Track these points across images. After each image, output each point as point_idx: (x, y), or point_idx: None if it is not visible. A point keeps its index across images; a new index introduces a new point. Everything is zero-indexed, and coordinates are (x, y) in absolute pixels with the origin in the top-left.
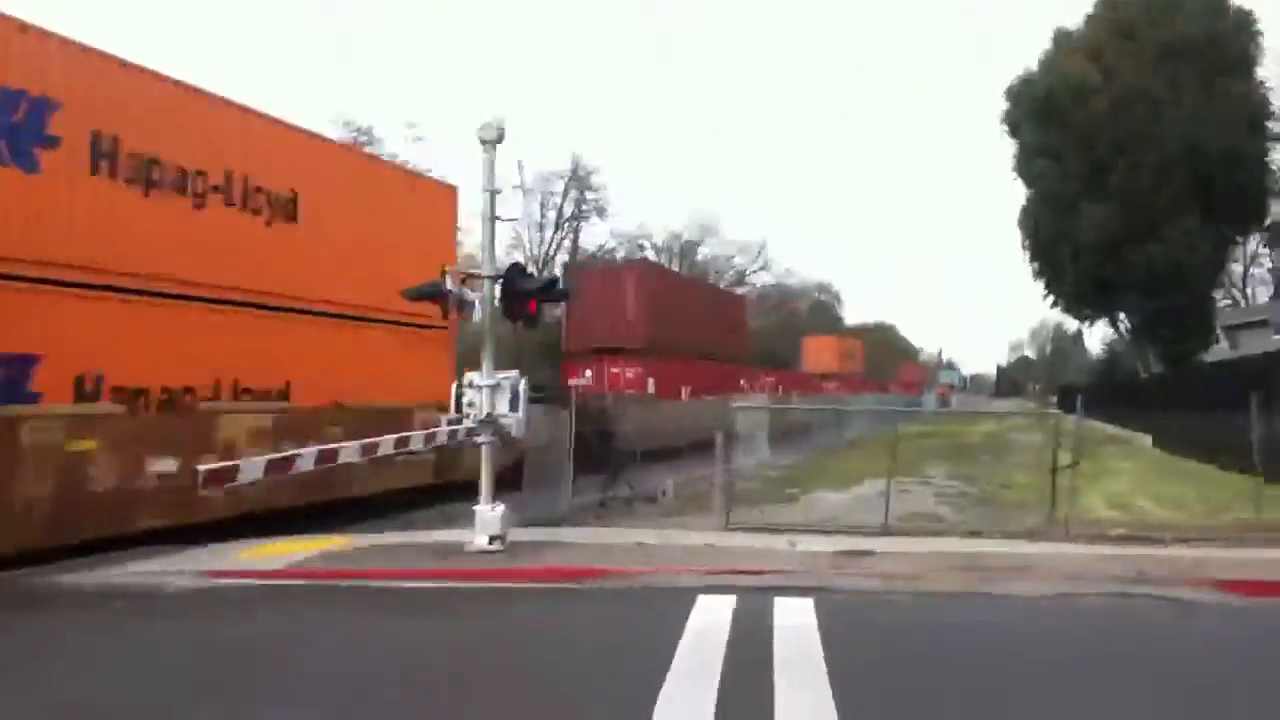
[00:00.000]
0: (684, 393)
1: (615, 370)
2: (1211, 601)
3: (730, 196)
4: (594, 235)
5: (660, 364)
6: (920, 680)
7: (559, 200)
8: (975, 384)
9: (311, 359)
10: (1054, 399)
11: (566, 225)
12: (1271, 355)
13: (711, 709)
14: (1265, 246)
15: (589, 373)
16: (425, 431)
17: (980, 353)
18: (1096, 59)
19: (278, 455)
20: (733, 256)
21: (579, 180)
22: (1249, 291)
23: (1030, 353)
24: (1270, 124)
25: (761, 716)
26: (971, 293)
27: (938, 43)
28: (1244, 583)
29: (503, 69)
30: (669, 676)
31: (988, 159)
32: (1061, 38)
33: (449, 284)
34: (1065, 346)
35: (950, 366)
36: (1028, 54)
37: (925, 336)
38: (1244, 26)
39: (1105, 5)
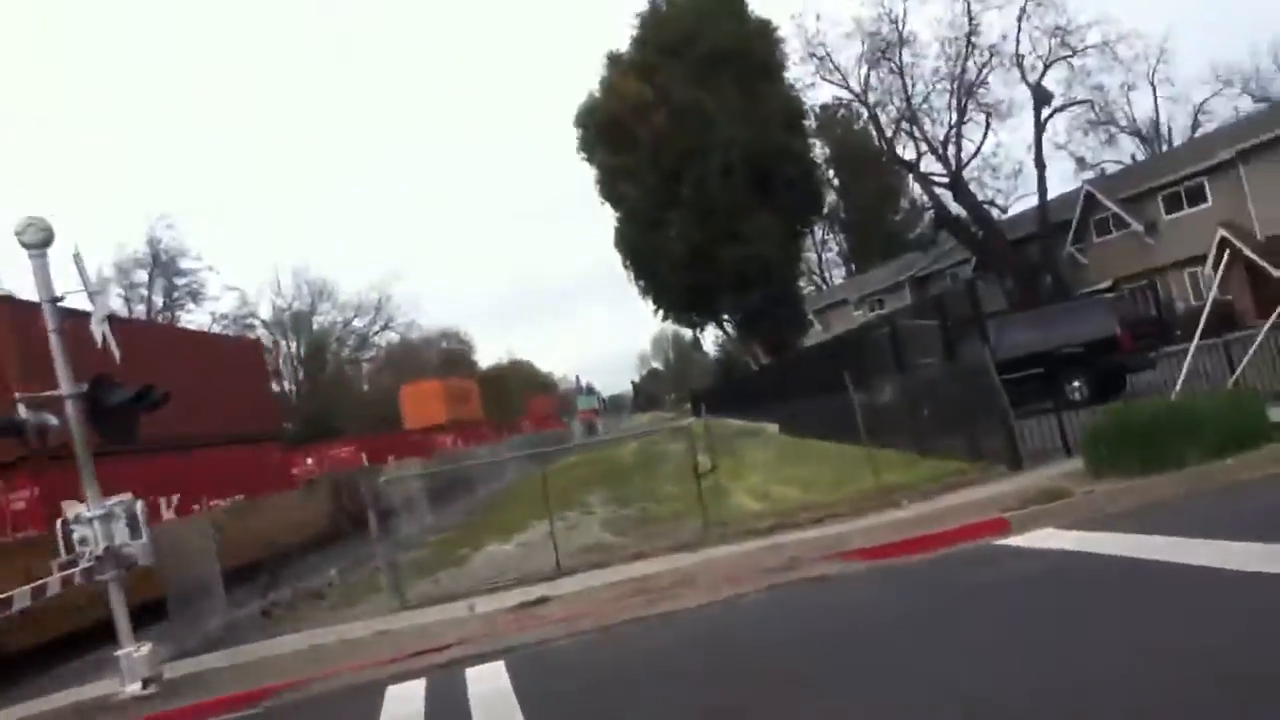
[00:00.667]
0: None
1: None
2: (848, 572)
3: (339, 256)
4: (194, 322)
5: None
6: (612, 713)
7: (145, 291)
8: (616, 403)
9: None
10: (688, 405)
11: (160, 317)
12: (859, 329)
13: None
14: (829, 232)
15: None
16: (31, 585)
17: (616, 372)
18: (649, 78)
19: None
20: (352, 319)
21: (164, 265)
22: (827, 275)
23: (658, 364)
24: (805, 122)
25: None
26: (595, 315)
27: (512, 75)
28: (863, 550)
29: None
30: None
31: (584, 183)
32: (614, 60)
33: (23, 411)
34: (686, 352)
35: (590, 391)
36: (587, 78)
37: (561, 365)
38: (765, 34)
39: (647, 26)
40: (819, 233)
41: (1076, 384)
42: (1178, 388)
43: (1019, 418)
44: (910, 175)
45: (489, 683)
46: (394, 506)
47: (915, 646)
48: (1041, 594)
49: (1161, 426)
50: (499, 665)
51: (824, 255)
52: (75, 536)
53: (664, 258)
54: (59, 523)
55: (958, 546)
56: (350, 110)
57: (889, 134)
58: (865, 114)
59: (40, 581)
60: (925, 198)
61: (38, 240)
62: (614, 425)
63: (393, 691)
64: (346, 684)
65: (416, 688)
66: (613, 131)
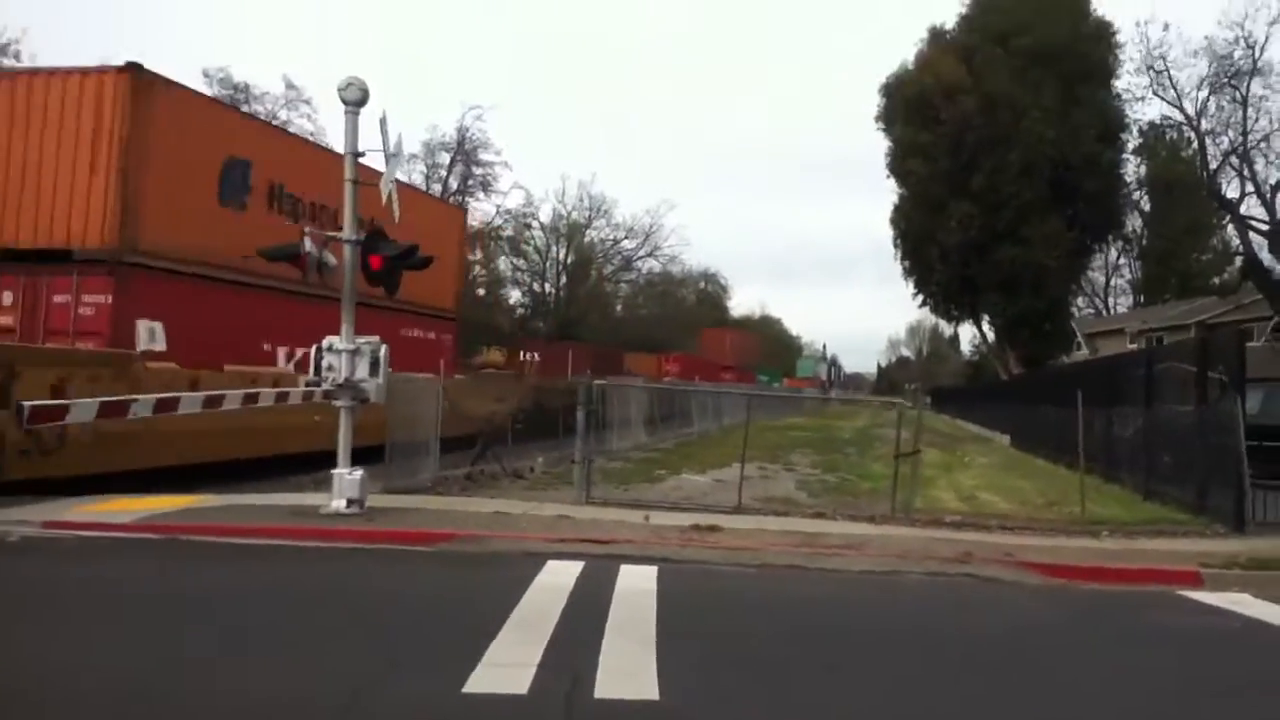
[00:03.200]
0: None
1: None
2: (1014, 579)
3: (621, 179)
4: (481, 210)
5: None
6: (735, 645)
7: (444, 174)
8: (855, 382)
9: None
10: (928, 399)
11: (452, 199)
12: (1113, 357)
13: (539, 655)
14: (1123, 257)
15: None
16: (276, 390)
17: (863, 351)
18: (967, 60)
19: (112, 399)
20: (621, 240)
21: (466, 153)
22: (1111, 301)
23: (909, 352)
24: (1123, 136)
25: (586, 664)
26: (855, 289)
27: (823, 33)
28: (1043, 565)
29: (394, 34)
30: (506, 624)
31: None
32: (935, 35)
33: (308, 246)
34: (941, 348)
35: (826, 361)
36: (903, 47)
37: (811, 329)
38: (1103, 36)
39: (977, 5)
40: (1113, 254)
41: None
42: None
43: (1270, 489)
44: (1228, 216)
45: (638, 581)
46: (610, 420)
47: (1046, 664)
48: (1202, 649)
49: None
50: (653, 570)
51: (1113, 279)
52: (324, 363)
53: (938, 244)
54: (314, 349)
55: (1139, 586)
56: (658, 40)
57: (1213, 166)
58: (1194, 141)
59: (285, 389)
60: (1238, 242)
61: (355, 98)
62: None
63: (553, 564)
64: (518, 548)
65: (575, 566)
66: (917, 107)
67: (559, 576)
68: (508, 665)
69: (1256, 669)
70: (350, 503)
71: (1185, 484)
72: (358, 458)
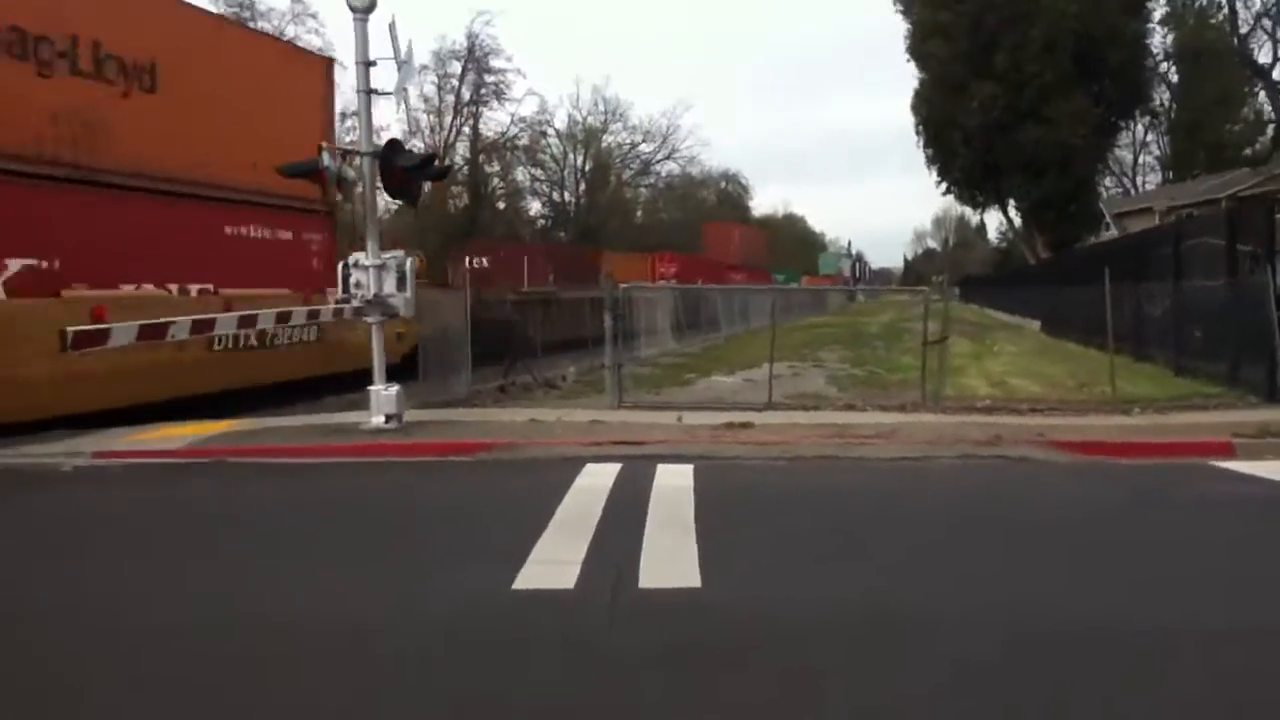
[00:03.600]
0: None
1: None
2: (1046, 459)
3: (636, 81)
4: (495, 120)
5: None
6: (771, 532)
7: (456, 84)
8: (883, 276)
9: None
10: (957, 290)
11: (465, 110)
12: (1140, 234)
13: (584, 552)
14: (1150, 133)
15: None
16: (309, 308)
17: (889, 245)
18: None
19: (151, 322)
20: (639, 143)
21: (477, 61)
22: (1139, 180)
23: (935, 244)
24: (1149, 4)
25: (628, 558)
26: (878, 181)
27: None
28: (1074, 443)
29: None
30: (549, 525)
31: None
32: None
33: (326, 160)
34: (968, 237)
35: (852, 255)
36: None
37: (835, 226)
38: None
39: None
40: (1140, 131)
41: None
42: None
43: None
44: (1260, 82)
45: (674, 479)
46: (637, 328)
47: (1075, 532)
48: (1237, 516)
49: None
50: (688, 467)
51: (1141, 157)
52: (351, 280)
53: (960, 128)
54: (340, 265)
55: (1172, 460)
56: None
57: (1245, 30)
58: (1224, 5)
59: (317, 307)
60: (1271, 109)
61: (363, 4)
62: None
63: (591, 467)
64: (555, 454)
65: (612, 468)
66: None
67: (597, 478)
68: (554, 562)
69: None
70: (389, 418)
71: (1217, 358)
72: (396, 375)
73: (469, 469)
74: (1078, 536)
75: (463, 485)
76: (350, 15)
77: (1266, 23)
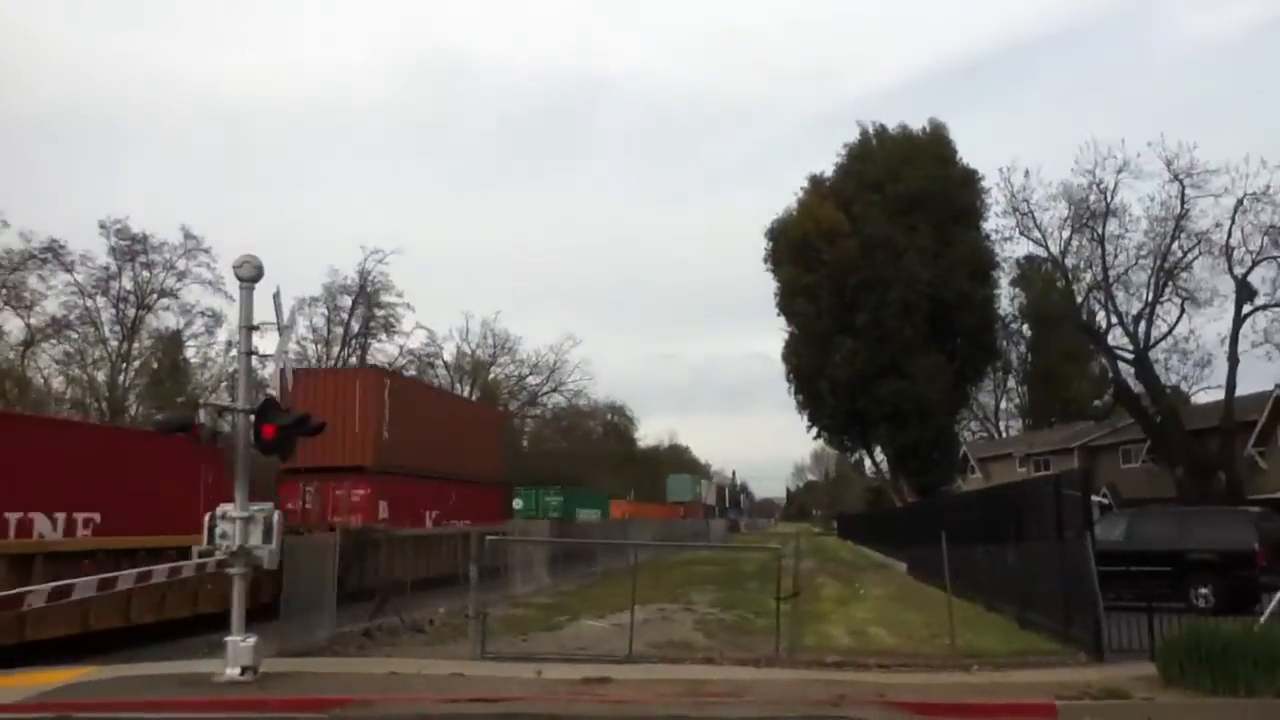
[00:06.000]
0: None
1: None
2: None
3: (523, 315)
4: (383, 352)
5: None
6: None
7: (346, 316)
8: (766, 508)
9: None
10: (835, 524)
11: (355, 342)
12: (983, 492)
13: None
14: (1015, 381)
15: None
16: (170, 565)
17: (773, 478)
18: (846, 206)
19: (4, 594)
20: (526, 375)
21: (367, 296)
22: (1003, 424)
23: (815, 477)
24: (994, 273)
25: None
26: (761, 416)
27: (716, 176)
28: (912, 704)
29: (296, 177)
30: None
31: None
32: (816, 183)
33: (202, 417)
34: (846, 472)
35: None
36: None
37: (719, 456)
38: (970, 183)
39: (853, 156)
40: (1008, 380)
41: (1204, 590)
42: (1264, 616)
43: (1143, 610)
44: (1096, 346)
45: None
46: (511, 564)
47: None
48: None
49: (1238, 650)
50: None
51: (1003, 403)
52: (218, 531)
53: (827, 378)
54: (207, 517)
55: None
56: (558, 179)
57: (1080, 299)
58: (1060, 276)
59: (179, 564)
60: (1109, 369)
61: (249, 275)
62: (756, 529)
63: None
64: (410, 711)
65: None
66: (801, 250)
67: None
68: None
69: None
70: (244, 670)
71: (1053, 613)
72: (258, 615)
73: None
74: None
75: None
76: (238, 283)
77: (1098, 294)
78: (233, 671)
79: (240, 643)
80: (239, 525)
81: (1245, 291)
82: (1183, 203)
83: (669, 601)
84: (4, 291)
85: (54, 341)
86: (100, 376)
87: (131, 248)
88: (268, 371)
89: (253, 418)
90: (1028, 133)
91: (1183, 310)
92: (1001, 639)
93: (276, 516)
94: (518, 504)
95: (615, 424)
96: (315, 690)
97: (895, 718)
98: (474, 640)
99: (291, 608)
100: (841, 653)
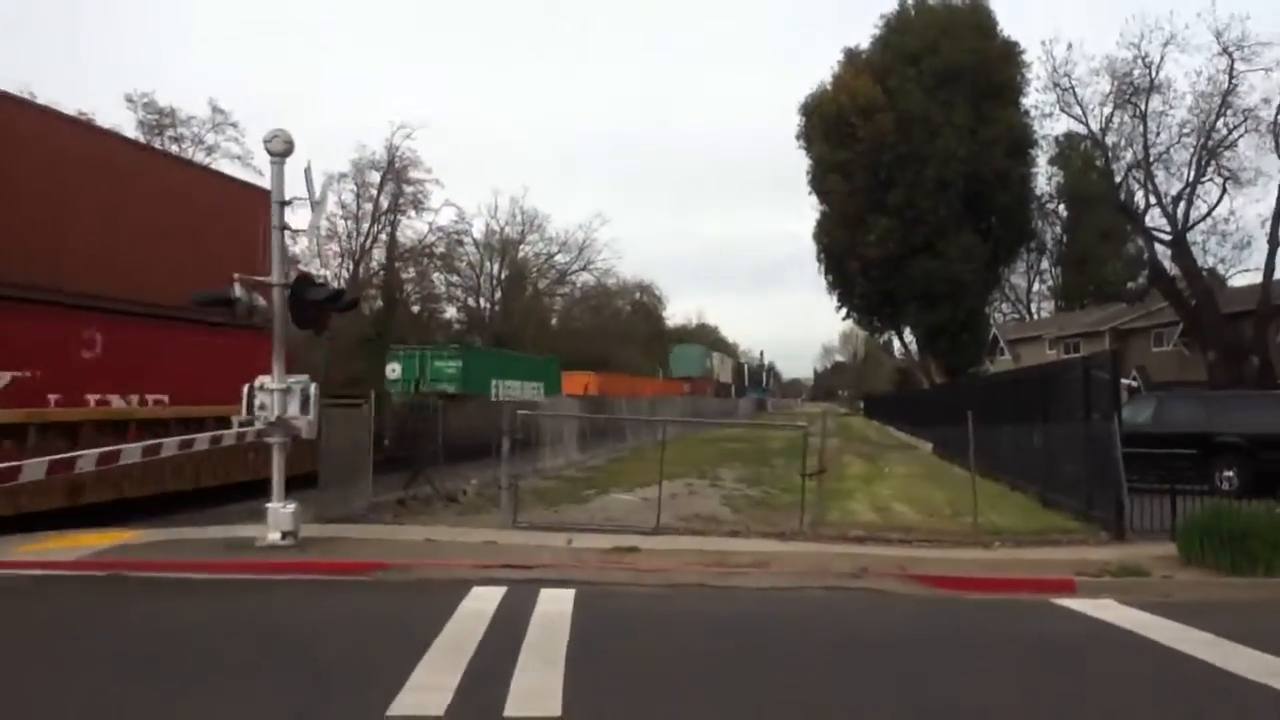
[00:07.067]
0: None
1: None
2: (904, 592)
3: (553, 192)
4: (412, 229)
5: None
6: (636, 663)
7: (374, 193)
8: (793, 388)
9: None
10: (861, 405)
11: (383, 218)
12: (1013, 373)
13: (458, 679)
14: (1049, 262)
15: None
16: (211, 434)
17: (801, 358)
18: (882, 80)
19: (59, 456)
20: (555, 254)
21: (396, 172)
22: (1035, 306)
23: (843, 358)
24: (1032, 151)
25: (501, 681)
26: (792, 296)
27: (745, 50)
28: (932, 577)
29: (324, 53)
30: (430, 650)
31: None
32: (851, 56)
33: (238, 291)
34: (874, 353)
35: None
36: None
37: (748, 337)
38: (1010, 56)
39: (890, 28)
40: (1042, 261)
41: (1229, 473)
42: None
43: (1167, 493)
44: (1132, 226)
45: (555, 604)
46: (544, 438)
47: (897, 670)
48: (1042, 654)
49: (1257, 531)
50: (570, 592)
51: (1035, 285)
52: (256, 402)
53: (859, 258)
54: (245, 389)
55: (1017, 595)
56: (590, 55)
57: (1119, 179)
58: (1100, 154)
59: (219, 432)
60: (1145, 251)
61: (280, 149)
62: (783, 408)
63: (477, 590)
64: (444, 575)
65: (496, 592)
66: (835, 126)
67: (482, 603)
68: (428, 689)
69: (1084, 670)
70: (284, 535)
71: (1077, 494)
72: (296, 486)
73: (361, 589)
74: (900, 666)
75: (353, 606)
76: (269, 158)
77: (1138, 173)
78: (273, 536)
79: (281, 509)
80: (277, 396)
81: None
82: (1231, 77)
83: (696, 477)
84: None
85: None
86: None
87: (160, 121)
88: (300, 246)
89: (287, 292)
90: (1072, 2)
91: (1224, 191)
92: (1024, 517)
93: (313, 388)
94: (392, 371)
95: (644, 303)
96: (353, 555)
97: (915, 590)
98: (506, 510)
99: (330, 477)
100: (865, 528)
